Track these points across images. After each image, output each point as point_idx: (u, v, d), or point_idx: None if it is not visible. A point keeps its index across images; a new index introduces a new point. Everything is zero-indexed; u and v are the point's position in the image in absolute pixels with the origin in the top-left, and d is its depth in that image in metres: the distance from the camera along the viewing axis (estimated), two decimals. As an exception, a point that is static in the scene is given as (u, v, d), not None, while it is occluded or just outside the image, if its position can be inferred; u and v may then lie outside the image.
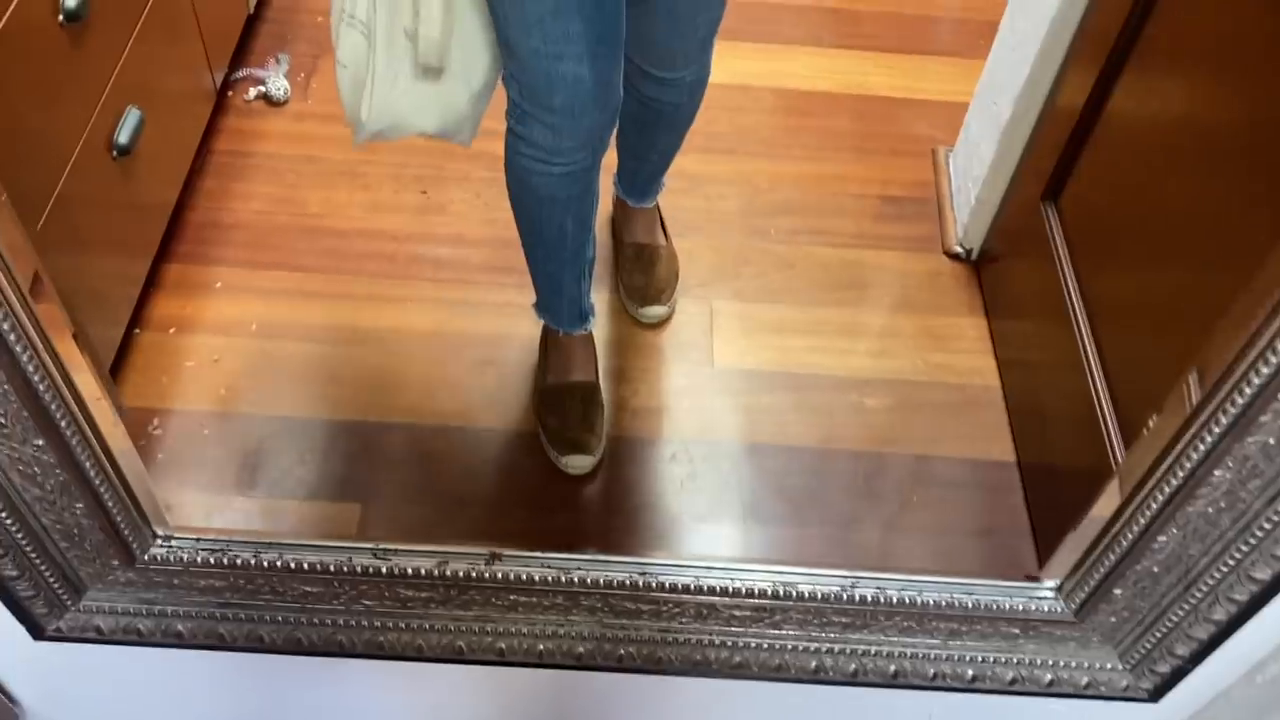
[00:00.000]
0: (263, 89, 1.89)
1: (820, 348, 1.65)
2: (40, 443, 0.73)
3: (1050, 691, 0.94)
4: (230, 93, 1.88)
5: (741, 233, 1.78)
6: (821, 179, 1.87)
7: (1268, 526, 0.74)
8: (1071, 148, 1.46)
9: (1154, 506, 0.76)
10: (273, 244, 1.71)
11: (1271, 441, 0.69)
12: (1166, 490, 0.74)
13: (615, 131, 1.51)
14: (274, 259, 1.70)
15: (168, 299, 1.62)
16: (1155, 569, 0.81)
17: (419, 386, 1.56)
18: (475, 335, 1.62)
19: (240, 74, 1.90)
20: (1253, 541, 0.76)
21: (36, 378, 0.69)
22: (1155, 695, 0.93)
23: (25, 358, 0.67)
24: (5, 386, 0.68)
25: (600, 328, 1.59)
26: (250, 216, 1.75)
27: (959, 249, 1.78)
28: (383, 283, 1.68)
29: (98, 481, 0.78)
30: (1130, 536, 0.79)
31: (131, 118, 1.43)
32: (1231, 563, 0.78)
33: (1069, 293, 1.44)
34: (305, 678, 1.01)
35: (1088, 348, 1.37)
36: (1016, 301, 1.66)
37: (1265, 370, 0.65)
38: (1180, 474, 0.73)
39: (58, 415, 0.72)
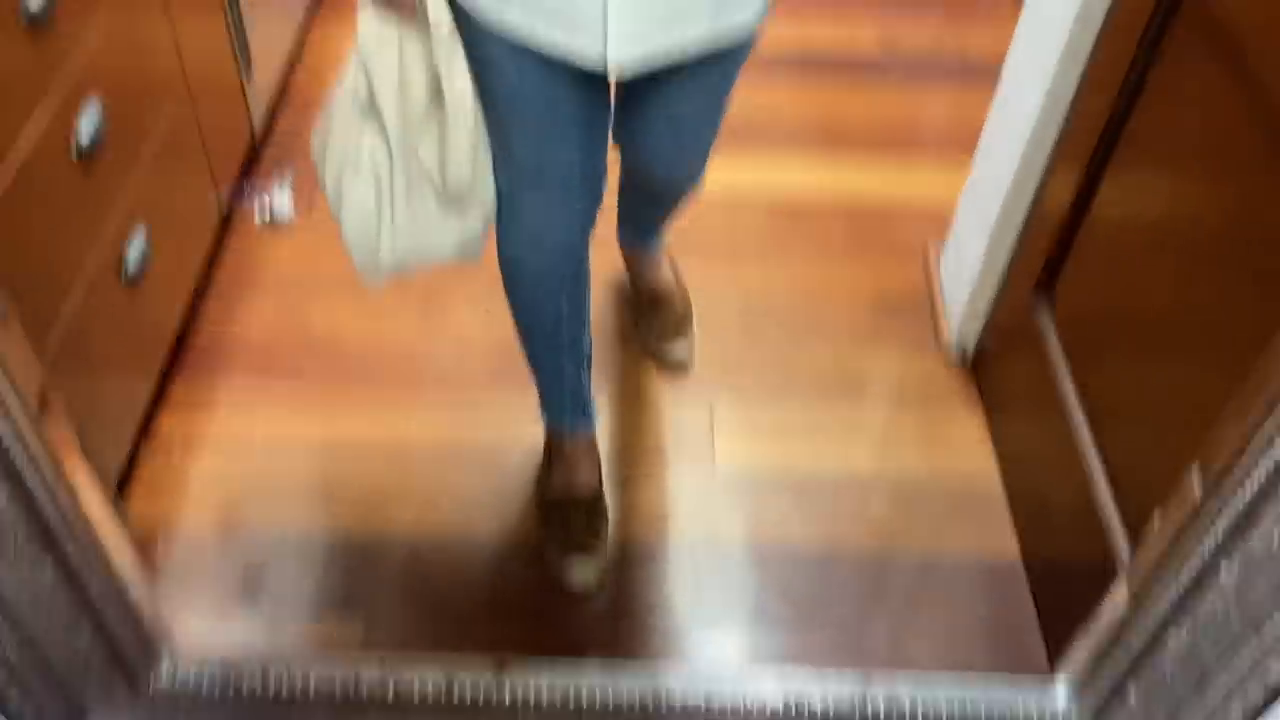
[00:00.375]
0: (266, 208, 1.93)
1: (821, 447, 1.66)
2: (49, 570, 0.74)
3: (1068, 796, 0.92)
4: (235, 212, 1.93)
5: (740, 335, 1.81)
6: (815, 282, 1.91)
7: None
8: (1060, 245, 1.50)
9: (1163, 607, 0.76)
10: (276, 359, 1.74)
11: (1277, 538, 0.70)
12: (1175, 590, 0.75)
13: (617, 199, 1.56)
14: (278, 374, 1.72)
15: (173, 415, 1.64)
16: (1169, 669, 0.80)
17: (421, 496, 1.56)
18: (477, 442, 1.63)
19: (245, 194, 1.95)
20: (1267, 641, 0.76)
21: (49, 509, 0.70)
22: (1175, 798, 0.92)
23: (39, 491, 0.68)
24: (15, 515, 0.69)
25: (602, 435, 1.60)
26: (255, 333, 1.77)
27: (954, 349, 1.80)
28: (385, 393, 1.69)
29: (103, 607, 0.78)
30: (1141, 636, 0.79)
31: (139, 241, 1.46)
32: (1246, 664, 0.78)
33: (1064, 388, 1.46)
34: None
35: (1085, 442, 1.39)
36: (1013, 398, 1.67)
37: (1265, 466, 0.66)
38: (1188, 573, 0.73)
39: (65, 541, 0.73)
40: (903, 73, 2.37)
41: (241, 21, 1.86)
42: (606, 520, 1.51)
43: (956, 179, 1.85)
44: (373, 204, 1.14)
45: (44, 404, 0.70)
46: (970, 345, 1.79)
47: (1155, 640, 0.79)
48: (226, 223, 1.89)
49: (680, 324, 1.72)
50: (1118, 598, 0.80)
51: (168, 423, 1.63)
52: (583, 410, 1.49)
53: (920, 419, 1.71)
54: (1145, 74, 1.29)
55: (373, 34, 1.11)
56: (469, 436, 1.64)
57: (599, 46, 0.98)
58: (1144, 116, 1.31)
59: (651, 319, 1.73)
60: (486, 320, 1.79)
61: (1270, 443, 0.68)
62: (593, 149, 1.20)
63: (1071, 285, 1.49)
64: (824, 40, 2.42)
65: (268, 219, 1.93)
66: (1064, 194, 1.47)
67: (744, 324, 1.83)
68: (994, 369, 1.73)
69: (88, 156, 1.26)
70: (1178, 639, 0.79)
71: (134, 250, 1.46)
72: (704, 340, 1.79)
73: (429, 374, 1.73)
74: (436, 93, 1.08)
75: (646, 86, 1.17)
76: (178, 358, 1.70)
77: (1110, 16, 1.34)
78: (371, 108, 1.11)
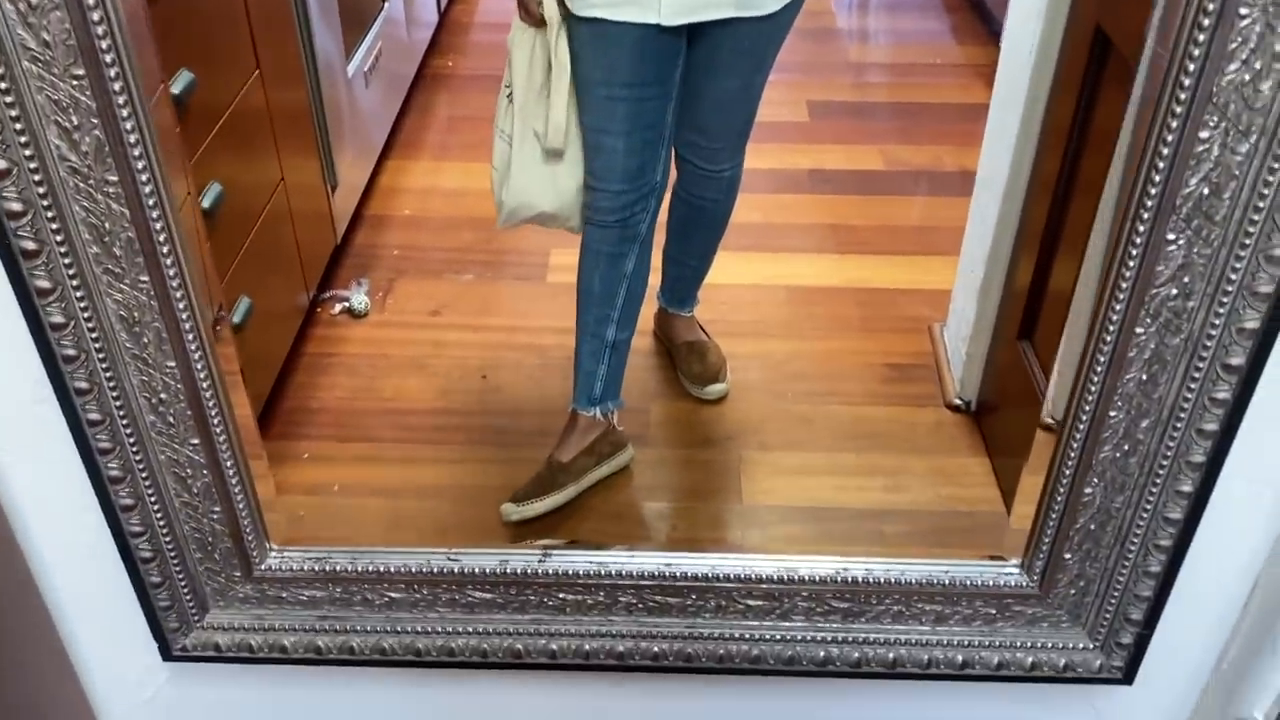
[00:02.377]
0: (346, 304, 2.21)
1: (839, 486, 1.84)
2: (196, 442, 0.95)
3: (1033, 675, 1.05)
4: (319, 309, 2.21)
5: (763, 396, 2.01)
6: (831, 353, 2.12)
7: (1165, 464, 0.91)
8: (1031, 306, 1.72)
9: (1072, 457, 0.93)
10: (352, 423, 1.97)
11: (1144, 378, 0.87)
12: (1078, 436, 0.92)
13: (664, 245, 1.85)
14: (353, 434, 1.94)
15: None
16: (1092, 526, 0.96)
17: (476, 527, 1.75)
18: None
19: (327, 295, 2.24)
20: (1159, 482, 0.92)
21: (205, 383, 0.92)
22: (1128, 675, 1.05)
23: (199, 365, 0.90)
24: (178, 386, 0.91)
25: (645, 473, 1.81)
26: (334, 403, 2.01)
27: (958, 401, 1.99)
28: (446, 449, 1.91)
29: (235, 485, 0.99)
30: (1061, 492, 0.95)
31: (241, 307, 1.73)
32: (1149, 508, 0.93)
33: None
34: (389, 691, 1.16)
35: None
36: (1013, 441, 1.85)
37: (1118, 308, 0.85)
38: (1084, 418, 0.90)
39: (214, 418, 0.94)
40: (905, 183, 2.65)
41: (332, 160, 2.22)
42: (559, 489, 1.75)
43: (953, 265, 2.08)
44: (504, 160, 1.53)
45: (219, 325, 0.93)
46: (974, 399, 1.97)
47: (1073, 496, 0.94)
48: (311, 314, 2.17)
49: (719, 369, 2.00)
50: (1038, 459, 0.97)
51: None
52: (588, 394, 1.75)
53: (930, 461, 1.88)
54: (1071, 179, 1.54)
55: (516, 33, 1.47)
56: (519, 479, 1.83)
57: (654, 17, 1.39)
58: (1076, 209, 1.56)
59: (693, 366, 1.99)
60: (538, 390, 2.02)
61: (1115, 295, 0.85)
62: (637, 141, 1.51)
63: (1044, 337, 1.70)
64: (834, 159, 2.73)
65: (347, 313, 2.21)
66: (1028, 269, 1.70)
67: (768, 389, 2.04)
68: (994, 417, 1.91)
69: (209, 215, 1.55)
70: (1091, 492, 0.93)
71: (236, 314, 1.72)
72: (730, 402, 1.99)
73: (486, 435, 1.95)
74: (550, 71, 1.44)
75: (700, 70, 1.52)
76: (266, 423, 1.94)
77: (1043, 135, 1.60)
78: (511, 88, 1.49)
